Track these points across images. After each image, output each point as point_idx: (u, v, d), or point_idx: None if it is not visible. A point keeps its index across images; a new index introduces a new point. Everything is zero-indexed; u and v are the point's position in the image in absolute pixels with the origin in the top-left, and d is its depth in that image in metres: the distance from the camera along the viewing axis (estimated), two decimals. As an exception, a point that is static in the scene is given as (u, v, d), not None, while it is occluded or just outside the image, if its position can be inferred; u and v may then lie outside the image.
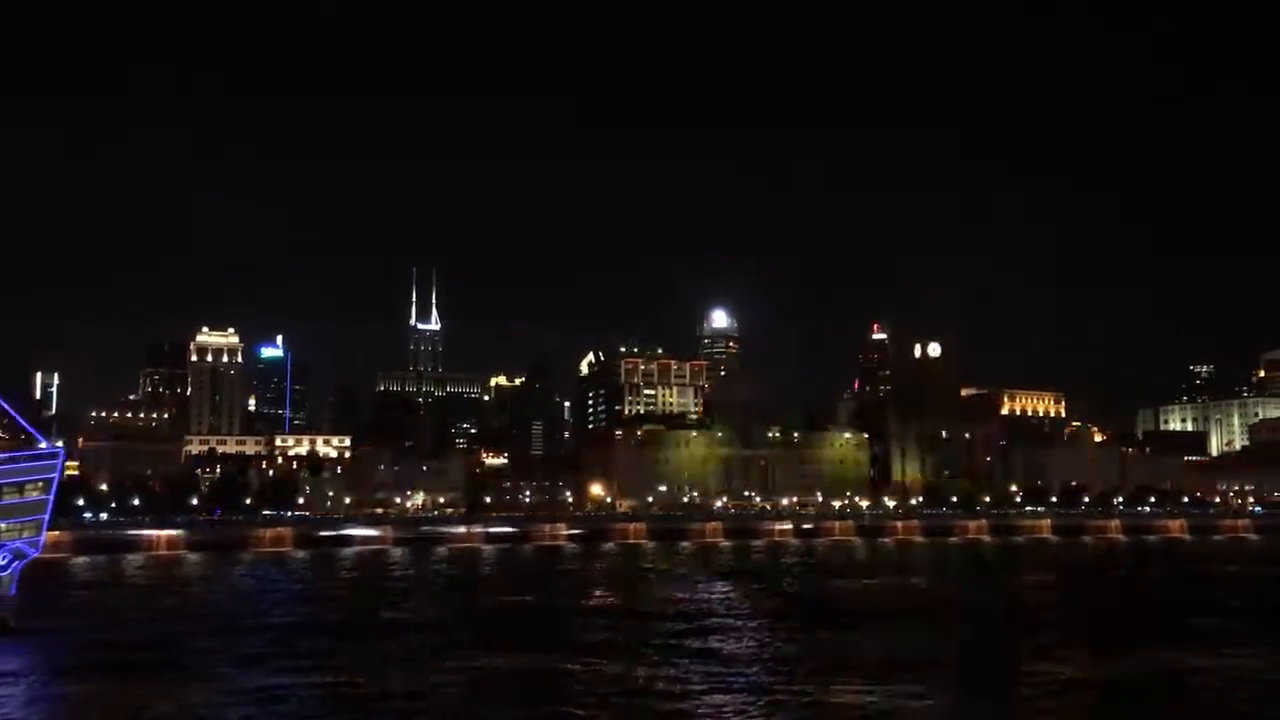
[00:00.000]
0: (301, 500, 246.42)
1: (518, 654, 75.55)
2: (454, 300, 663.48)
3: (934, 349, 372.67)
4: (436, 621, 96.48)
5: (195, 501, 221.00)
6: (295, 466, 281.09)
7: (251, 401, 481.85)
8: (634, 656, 73.42)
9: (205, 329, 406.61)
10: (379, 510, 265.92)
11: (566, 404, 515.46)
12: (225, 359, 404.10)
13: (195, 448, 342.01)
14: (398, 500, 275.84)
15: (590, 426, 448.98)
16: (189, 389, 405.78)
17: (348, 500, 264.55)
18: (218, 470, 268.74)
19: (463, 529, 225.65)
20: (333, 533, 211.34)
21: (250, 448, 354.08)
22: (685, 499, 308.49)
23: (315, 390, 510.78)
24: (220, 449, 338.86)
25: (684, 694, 60.62)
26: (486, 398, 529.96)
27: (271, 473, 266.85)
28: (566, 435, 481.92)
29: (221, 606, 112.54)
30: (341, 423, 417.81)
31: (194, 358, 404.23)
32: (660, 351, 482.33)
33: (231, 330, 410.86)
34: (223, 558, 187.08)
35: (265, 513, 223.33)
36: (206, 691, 62.00)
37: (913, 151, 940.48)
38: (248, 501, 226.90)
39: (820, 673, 66.84)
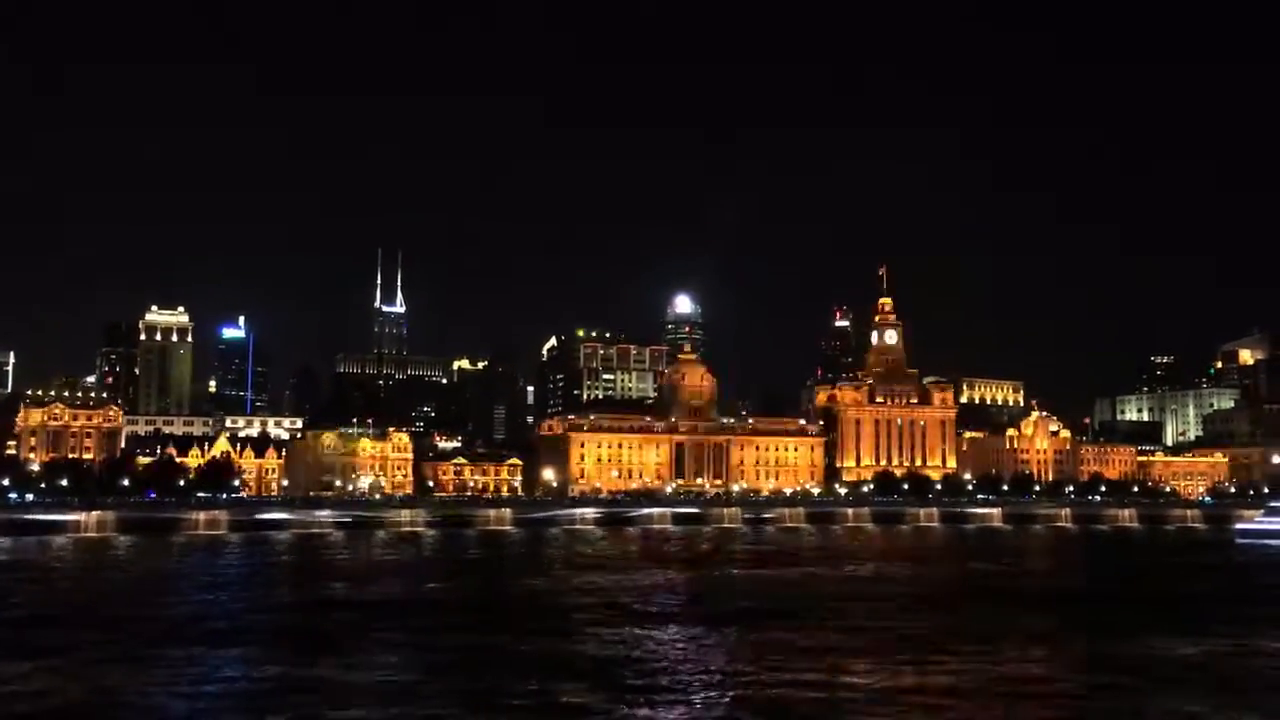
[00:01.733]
0: (238, 483, 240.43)
1: (405, 650, 72.13)
2: (421, 284, 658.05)
3: (891, 336, 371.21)
4: (333, 611, 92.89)
5: (127, 483, 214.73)
6: (240, 449, 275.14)
7: (212, 383, 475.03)
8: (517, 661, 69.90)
9: (154, 307, 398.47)
10: (325, 493, 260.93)
11: (530, 388, 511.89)
12: (175, 338, 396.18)
13: (141, 428, 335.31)
14: (338, 483, 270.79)
15: (549, 411, 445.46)
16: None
17: (286, 483, 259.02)
18: (159, 451, 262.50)
19: (405, 513, 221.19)
20: (268, 516, 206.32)
21: (198, 428, 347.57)
22: (635, 484, 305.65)
23: (279, 372, 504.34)
24: (166, 429, 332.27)
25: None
26: (446, 381, 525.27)
27: (216, 455, 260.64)
28: (530, 419, 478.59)
29: (122, 591, 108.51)
30: (301, 405, 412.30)
31: (143, 336, 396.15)
32: (621, 336, 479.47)
33: (181, 309, 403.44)
34: (153, 541, 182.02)
35: (200, 495, 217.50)
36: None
37: (881, 143, 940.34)
38: (181, 484, 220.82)
39: (727, 671, 63.96)
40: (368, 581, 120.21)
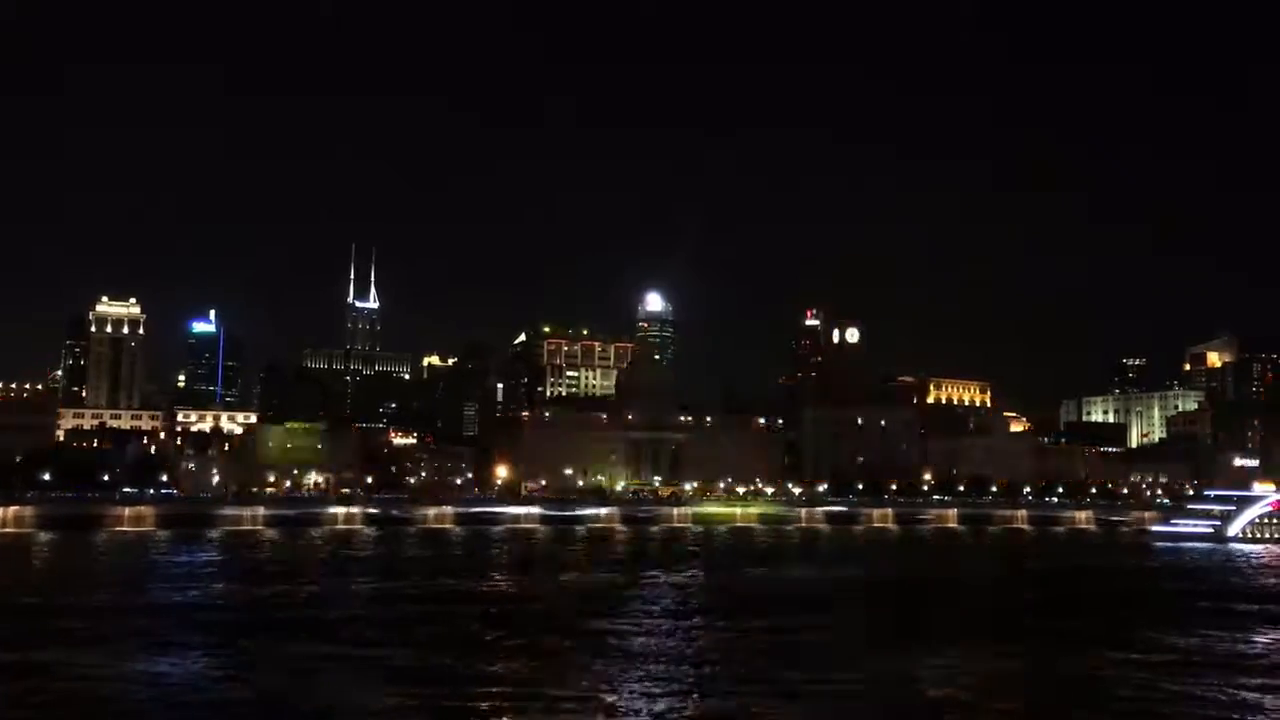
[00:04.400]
0: (166, 478, 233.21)
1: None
2: (396, 280, 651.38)
3: (852, 334, 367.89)
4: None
5: (48, 477, 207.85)
6: (180, 443, 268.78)
7: (182, 377, 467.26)
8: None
9: (105, 299, 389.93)
10: (268, 490, 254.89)
11: (500, 385, 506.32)
12: (126, 330, 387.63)
13: (87, 422, 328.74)
14: (274, 479, 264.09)
15: (512, 408, 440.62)
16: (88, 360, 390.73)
17: (217, 478, 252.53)
18: (96, 445, 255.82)
19: (341, 510, 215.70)
20: (199, 512, 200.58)
21: (146, 422, 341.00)
22: (588, 482, 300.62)
23: (251, 367, 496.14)
24: (113, 423, 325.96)
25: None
26: (412, 377, 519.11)
27: (153, 449, 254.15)
28: (499, 416, 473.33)
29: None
30: (270, 400, 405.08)
31: (93, 329, 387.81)
32: (585, 333, 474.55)
33: (133, 300, 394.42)
34: (74, 538, 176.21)
35: (126, 490, 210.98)
36: None
37: (853, 147, 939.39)
38: (107, 479, 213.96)
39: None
40: (260, 582, 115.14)
